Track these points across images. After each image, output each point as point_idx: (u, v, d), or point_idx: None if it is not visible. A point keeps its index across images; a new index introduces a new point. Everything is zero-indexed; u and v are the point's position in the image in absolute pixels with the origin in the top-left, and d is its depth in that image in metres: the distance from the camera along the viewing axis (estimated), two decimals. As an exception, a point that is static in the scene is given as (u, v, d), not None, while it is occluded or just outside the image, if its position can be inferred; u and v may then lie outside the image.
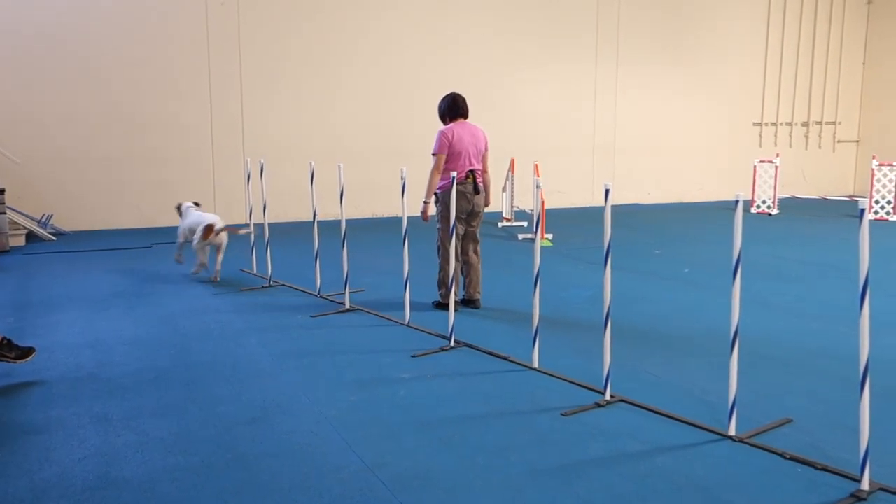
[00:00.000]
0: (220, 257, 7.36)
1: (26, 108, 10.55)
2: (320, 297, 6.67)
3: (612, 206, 4.09)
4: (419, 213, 6.21)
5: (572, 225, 11.52)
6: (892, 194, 12.42)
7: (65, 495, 3.07)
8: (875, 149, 15.61)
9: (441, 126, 6.19)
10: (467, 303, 6.31)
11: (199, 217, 7.44)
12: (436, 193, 6.20)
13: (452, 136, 6.06)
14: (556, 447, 3.56)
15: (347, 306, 6.24)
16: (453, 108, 6.20)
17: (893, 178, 12.48)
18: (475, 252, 6.31)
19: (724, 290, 3.79)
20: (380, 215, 12.55)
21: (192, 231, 7.37)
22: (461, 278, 6.36)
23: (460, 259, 6.19)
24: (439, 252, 6.25)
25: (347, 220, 6.45)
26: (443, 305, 6.09)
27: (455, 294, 5.75)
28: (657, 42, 14.73)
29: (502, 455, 3.46)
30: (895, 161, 13.11)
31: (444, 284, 6.21)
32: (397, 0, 12.54)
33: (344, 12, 12.19)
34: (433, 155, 6.11)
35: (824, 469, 3.29)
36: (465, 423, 3.84)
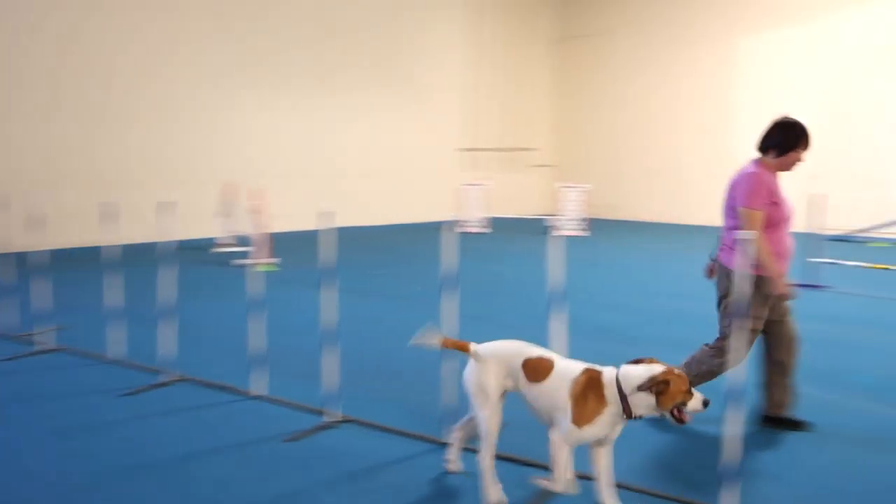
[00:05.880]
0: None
1: None
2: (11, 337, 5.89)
3: (338, 229, 4.14)
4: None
5: (300, 249, 11.40)
6: (576, 212, 14.17)
7: None
8: (566, 172, 17.91)
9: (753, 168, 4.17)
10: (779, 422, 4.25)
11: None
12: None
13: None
14: (280, 475, 3.49)
15: (42, 347, 5.58)
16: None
17: (575, 198, 14.28)
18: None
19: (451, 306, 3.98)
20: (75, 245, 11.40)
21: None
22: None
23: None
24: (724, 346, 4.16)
25: (38, 252, 5.78)
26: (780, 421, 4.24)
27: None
28: (374, 69, 15.36)
29: (225, 490, 3.32)
30: (580, 183, 14.88)
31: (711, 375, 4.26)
32: (111, 25, 11.63)
33: (55, 34, 11.01)
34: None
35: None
36: (184, 462, 3.62)
